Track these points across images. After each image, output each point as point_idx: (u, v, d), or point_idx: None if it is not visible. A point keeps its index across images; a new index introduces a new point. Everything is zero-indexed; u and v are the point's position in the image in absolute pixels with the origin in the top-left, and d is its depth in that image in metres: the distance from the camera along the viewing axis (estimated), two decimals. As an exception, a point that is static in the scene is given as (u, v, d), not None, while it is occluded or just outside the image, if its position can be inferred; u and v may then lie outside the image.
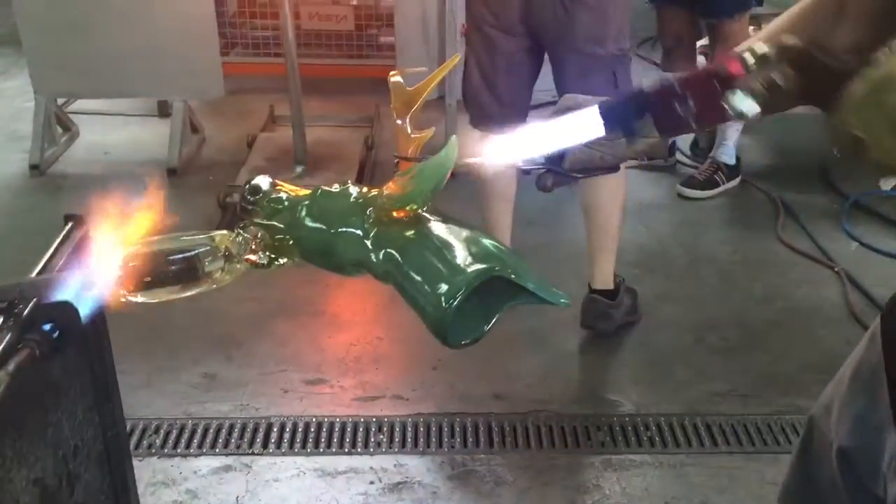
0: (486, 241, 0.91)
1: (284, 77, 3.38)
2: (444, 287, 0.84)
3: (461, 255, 0.87)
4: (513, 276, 0.86)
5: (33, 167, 3.62)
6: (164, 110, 4.06)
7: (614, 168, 1.08)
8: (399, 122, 1.04)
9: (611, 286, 2.64)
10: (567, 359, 2.60)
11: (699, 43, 3.83)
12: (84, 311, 0.95)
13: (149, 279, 0.98)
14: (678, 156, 3.85)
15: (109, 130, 4.06)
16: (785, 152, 3.96)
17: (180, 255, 0.98)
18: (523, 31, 2.43)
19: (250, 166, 3.50)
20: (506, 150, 0.99)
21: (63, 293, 0.96)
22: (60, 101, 3.97)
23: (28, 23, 3.53)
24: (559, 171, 1.07)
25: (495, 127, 2.68)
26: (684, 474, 2.18)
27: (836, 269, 3.01)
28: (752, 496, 2.13)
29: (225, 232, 1.01)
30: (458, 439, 2.28)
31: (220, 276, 0.99)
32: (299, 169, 3.44)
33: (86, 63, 3.56)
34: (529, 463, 2.22)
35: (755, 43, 0.88)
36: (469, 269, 0.85)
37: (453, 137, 0.96)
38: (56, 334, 0.93)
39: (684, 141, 3.90)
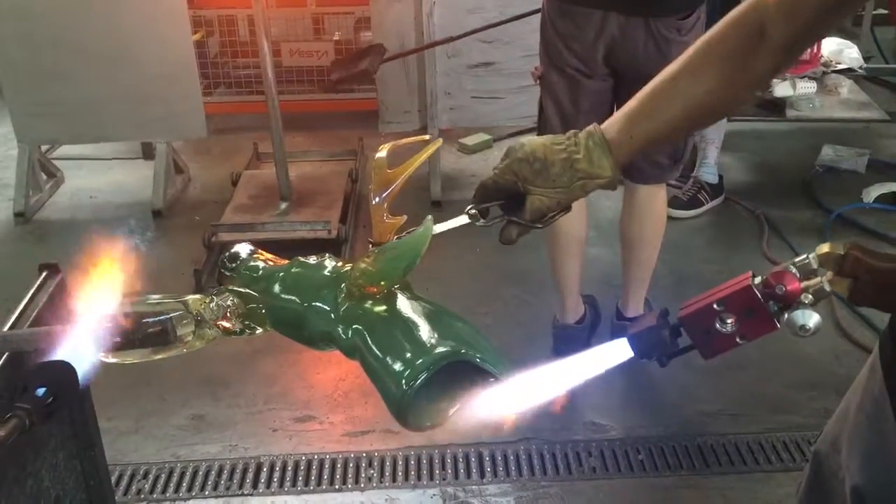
0: (455, 323, 0.90)
1: (267, 115, 3.40)
2: (407, 368, 0.84)
3: (428, 336, 0.87)
4: (478, 360, 0.85)
5: (18, 215, 3.62)
6: (148, 152, 4.07)
7: (568, 209, 1.09)
8: (375, 199, 1.03)
9: (641, 312, 2.67)
10: (556, 385, 2.59)
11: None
12: (81, 371, 0.93)
13: (120, 341, 0.97)
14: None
15: (94, 175, 4.06)
16: (767, 169, 3.99)
17: (154, 319, 0.98)
18: (606, 72, 2.33)
19: (235, 204, 3.51)
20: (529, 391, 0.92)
21: (59, 351, 0.93)
22: (44, 147, 3.98)
23: (9, 71, 3.54)
24: (521, 222, 1.07)
25: None
26: (677, 497, 2.18)
27: (821, 284, 3.01)
28: (746, 516, 2.12)
29: (198, 297, 1.01)
30: (450, 471, 2.27)
31: (191, 341, 0.99)
32: (284, 205, 3.45)
33: (67, 109, 3.58)
34: (522, 492, 2.21)
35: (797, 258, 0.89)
36: (435, 351, 0.84)
37: (429, 218, 0.96)
38: (50, 400, 0.89)
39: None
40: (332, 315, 0.94)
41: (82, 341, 0.94)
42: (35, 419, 0.86)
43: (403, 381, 0.83)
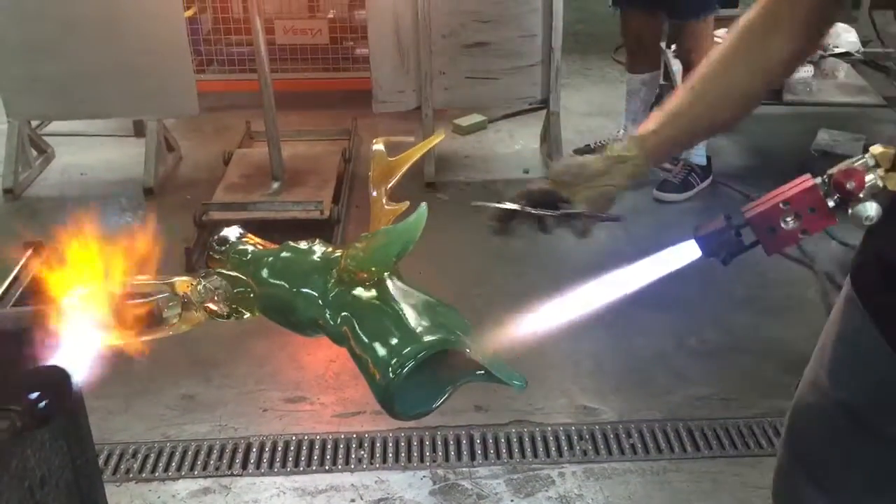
0: (446, 313, 0.89)
1: (260, 93, 3.36)
2: (394, 356, 0.82)
3: (416, 324, 0.85)
4: (468, 351, 0.84)
5: (7, 191, 3.59)
6: (140, 130, 4.03)
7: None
8: (374, 193, 1.02)
9: None
10: (547, 368, 2.58)
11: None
12: (77, 377, 0.91)
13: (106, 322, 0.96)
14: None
15: (85, 151, 4.03)
16: (762, 152, 3.97)
17: (140, 301, 0.97)
18: None
19: (227, 183, 3.48)
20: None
21: (55, 354, 0.92)
22: (35, 123, 3.94)
23: (-2, 45, 3.50)
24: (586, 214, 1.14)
25: None
26: (667, 481, 2.17)
27: (815, 269, 3.01)
28: (735, 500, 2.12)
29: (186, 278, 1.00)
30: (440, 453, 2.26)
31: (178, 324, 0.97)
32: (276, 185, 3.42)
33: (58, 84, 3.53)
34: (512, 474, 2.20)
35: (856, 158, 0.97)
36: (423, 339, 0.83)
37: (423, 205, 0.94)
38: (43, 404, 0.88)
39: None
40: (321, 301, 0.92)
41: (79, 342, 0.93)
42: (27, 422, 0.85)
43: (390, 369, 0.81)
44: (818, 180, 0.98)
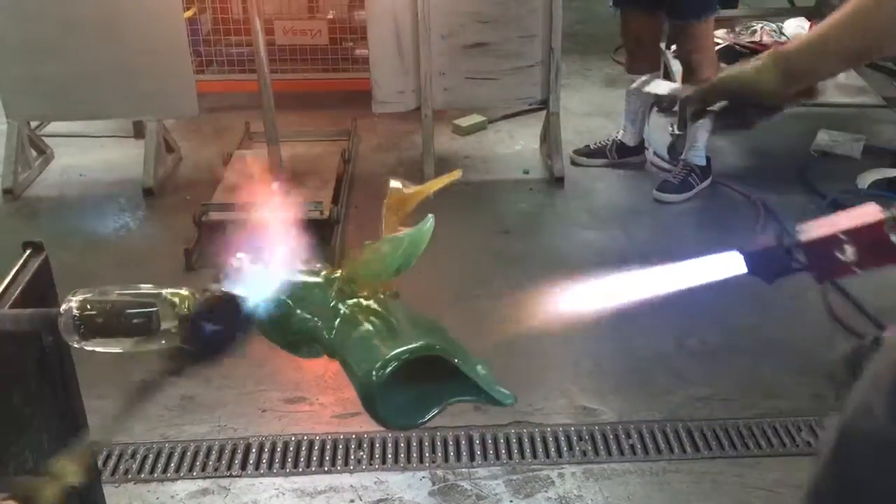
0: (438, 328, 0.90)
1: (260, 94, 3.36)
2: (378, 358, 0.84)
3: (404, 331, 0.87)
4: (457, 361, 0.85)
5: (6, 191, 3.58)
6: (139, 131, 4.03)
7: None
8: (385, 218, 1.03)
9: None
10: (547, 368, 2.58)
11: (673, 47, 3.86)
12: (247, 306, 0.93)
13: (102, 329, 0.96)
14: (652, 157, 3.86)
15: (85, 152, 4.02)
16: (761, 153, 3.97)
17: (139, 310, 0.97)
18: None
19: (226, 184, 3.48)
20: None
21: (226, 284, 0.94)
22: (34, 124, 3.94)
23: (-3, 46, 3.50)
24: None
25: None
26: (667, 481, 2.17)
27: (815, 269, 3.01)
28: (735, 501, 2.12)
29: (184, 290, 1.00)
30: (440, 454, 2.26)
31: (176, 334, 0.97)
32: (275, 185, 3.42)
33: (57, 85, 3.53)
34: (512, 475, 2.20)
35: None
36: (407, 344, 0.85)
37: (430, 217, 0.94)
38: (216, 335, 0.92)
39: (660, 143, 3.91)
40: (319, 314, 0.93)
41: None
42: (202, 354, 0.93)
43: (373, 372, 0.83)
44: (886, 214, 0.93)
